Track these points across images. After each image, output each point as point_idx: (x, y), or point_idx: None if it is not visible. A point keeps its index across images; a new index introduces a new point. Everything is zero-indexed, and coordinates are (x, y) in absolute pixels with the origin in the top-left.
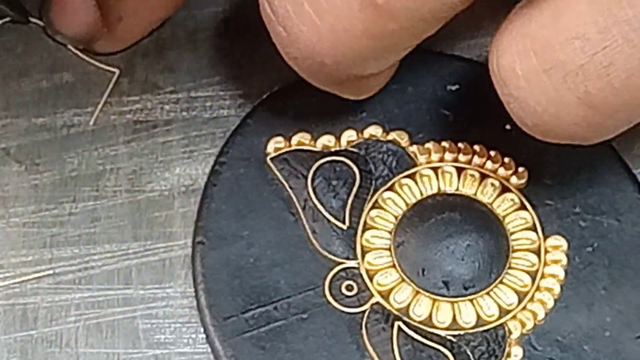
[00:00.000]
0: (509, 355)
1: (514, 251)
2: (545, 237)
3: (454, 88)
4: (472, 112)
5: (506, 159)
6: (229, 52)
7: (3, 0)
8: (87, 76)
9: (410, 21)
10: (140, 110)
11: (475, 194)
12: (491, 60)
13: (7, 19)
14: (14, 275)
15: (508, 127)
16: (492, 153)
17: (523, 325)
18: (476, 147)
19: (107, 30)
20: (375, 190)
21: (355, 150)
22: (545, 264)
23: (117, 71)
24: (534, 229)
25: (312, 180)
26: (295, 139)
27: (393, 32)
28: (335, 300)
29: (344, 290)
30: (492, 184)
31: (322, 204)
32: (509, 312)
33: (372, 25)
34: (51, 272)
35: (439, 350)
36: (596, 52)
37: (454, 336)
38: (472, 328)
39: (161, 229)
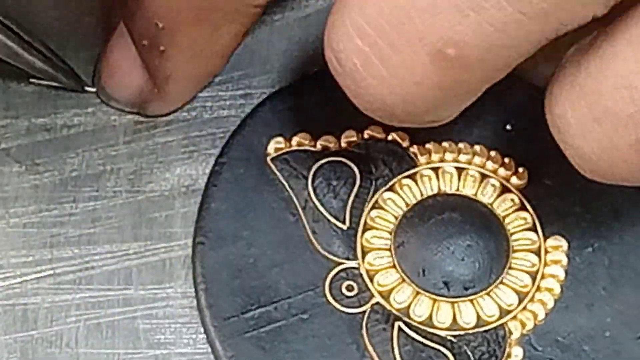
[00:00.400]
0: (509, 355)
1: (514, 251)
2: (546, 238)
3: None
4: (472, 113)
5: (506, 159)
6: None
7: (59, 69)
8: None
9: (483, 71)
10: None
11: (475, 195)
12: (546, 106)
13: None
14: (14, 276)
15: (508, 127)
16: (493, 153)
17: (523, 325)
18: (476, 148)
19: (158, 91)
20: (376, 191)
21: (355, 150)
22: (546, 264)
23: None
24: (534, 229)
25: (313, 181)
26: (295, 140)
27: (465, 82)
28: (336, 301)
29: (344, 291)
30: (492, 185)
31: (322, 204)
32: (509, 312)
33: (444, 77)
34: (51, 272)
35: (439, 350)
36: None
37: (454, 336)
38: (473, 328)
39: (161, 229)
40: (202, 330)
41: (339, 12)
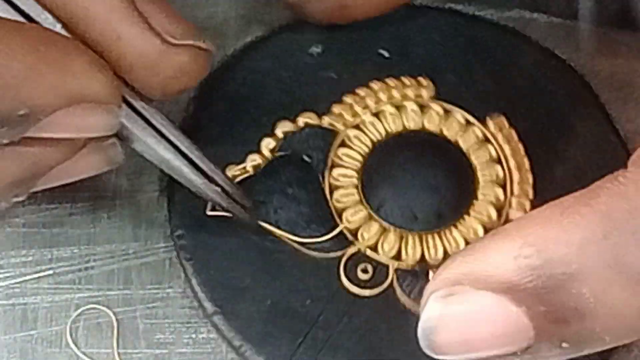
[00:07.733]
0: None
1: (473, 167)
2: (483, 122)
3: (319, 50)
4: (348, 61)
5: (405, 80)
6: None
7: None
8: None
9: None
10: None
11: (405, 127)
12: None
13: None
14: (14, 275)
15: (385, 53)
16: (391, 83)
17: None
18: (374, 86)
19: None
20: (323, 174)
21: (282, 153)
22: (506, 157)
23: None
24: (470, 123)
25: (272, 201)
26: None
27: None
28: (353, 284)
29: (360, 275)
30: (412, 109)
31: (289, 217)
32: (492, 227)
33: None
34: (51, 272)
35: None
36: None
37: None
38: None
39: (161, 229)
40: (202, 330)
41: None
